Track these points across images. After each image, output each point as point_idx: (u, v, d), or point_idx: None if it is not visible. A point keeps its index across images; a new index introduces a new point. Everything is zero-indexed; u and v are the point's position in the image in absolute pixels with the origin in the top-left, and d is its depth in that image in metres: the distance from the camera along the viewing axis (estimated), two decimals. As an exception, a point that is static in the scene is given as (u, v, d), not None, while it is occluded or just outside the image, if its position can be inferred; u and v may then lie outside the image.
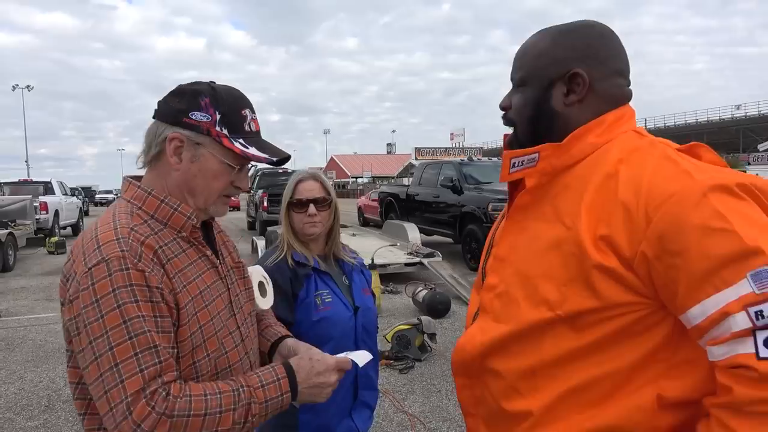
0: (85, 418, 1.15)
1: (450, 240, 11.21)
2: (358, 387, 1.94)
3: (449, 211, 10.86)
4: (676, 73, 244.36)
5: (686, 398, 0.93)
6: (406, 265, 8.61)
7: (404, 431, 3.78)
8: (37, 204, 14.38)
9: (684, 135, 58.44)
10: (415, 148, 49.82)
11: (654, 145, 1.02)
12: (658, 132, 59.09)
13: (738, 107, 55.69)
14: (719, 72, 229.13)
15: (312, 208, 1.95)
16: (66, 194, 18.06)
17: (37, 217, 14.23)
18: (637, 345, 0.96)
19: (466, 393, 1.20)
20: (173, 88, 1.22)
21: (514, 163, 1.11)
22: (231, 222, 23.30)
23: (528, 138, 1.12)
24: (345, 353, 1.36)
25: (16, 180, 17.60)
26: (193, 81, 1.23)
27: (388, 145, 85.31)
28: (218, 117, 1.17)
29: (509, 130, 1.19)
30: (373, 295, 2.20)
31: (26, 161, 52.89)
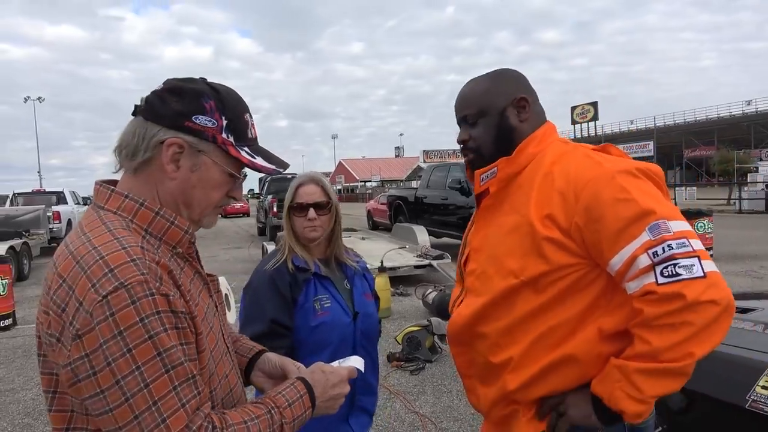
0: None
1: (459, 242, 11.19)
2: (355, 393, 1.89)
3: (458, 213, 10.89)
4: (683, 71, 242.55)
5: (619, 329, 1.26)
6: (416, 267, 8.63)
7: (415, 431, 3.81)
8: (51, 214, 14.59)
9: (694, 132, 57.98)
10: (423, 151, 49.89)
11: (576, 148, 1.40)
12: (666, 129, 58.64)
13: (749, 103, 55.11)
14: (728, 68, 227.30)
15: (312, 213, 1.94)
16: (78, 203, 18.28)
17: (51, 226, 14.43)
18: (582, 297, 1.30)
19: (461, 359, 1.53)
20: (164, 83, 1.08)
21: (483, 178, 1.46)
22: (241, 228, 23.45)
23: (493, 155, 1.44)
24: (337, 362, 1.36)
25: (30, 190, 17.83)
26: (186, 78, 1.09)
27: (396, 148, 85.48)
28: (225, 123, 1.06)
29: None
30: (377, 299, 2.19)
31: (38, 171, 53.49)
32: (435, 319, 5.53)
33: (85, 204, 19.75)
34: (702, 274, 1.13)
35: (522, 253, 1.32)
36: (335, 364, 1.34)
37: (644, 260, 1.16)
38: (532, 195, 1.33)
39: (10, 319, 7.24)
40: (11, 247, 10.46)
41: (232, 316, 1.41)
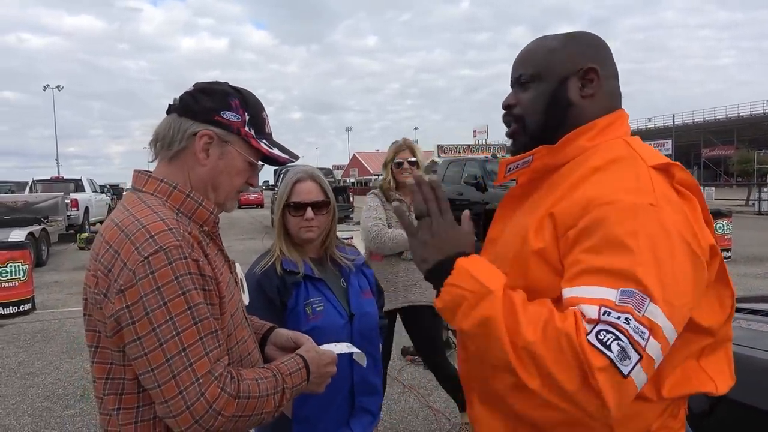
0: (119, 413, 1.12)
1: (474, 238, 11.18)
2: (355, 394, 1.86)
3: (473, 209, 10.77)
4: (701, 68, 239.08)
5: None
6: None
7: (429, 425, 3.82)
8: (69, 201, 14.78)
9: (713, 131, 57.13)
10: (438, 146, 49.63)
11: (635, 159, 1.08)
12: (685, 128, 57.80)
13: (770, 102, 54.17)
14: (747, 66, 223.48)
15: (309, 212, 1.84)
16: (95, 191, 18.50)
17: (69, 213, 14.63)
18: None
19: (463, 366, 1.30)
20: (194, 85, 1.25)
21: (509, 168, 1.23)
22: (255, 218, 23.57)
23: (538, 128, 1.19)
24: (327, 345, 1.43)
25: (49, 178, 18.06)
26: (212, 81, 1.27)
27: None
28: (248, 118, 1.23)
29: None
30: (381, 293, 2.11)
31: (56, 159, 54.19)
32: (449, 315, 5.52)
33: (102, 192, 19.98)
34: (624, 374, 0.87)
35: (511, 260, 1.11)
36: (328, 346, 1.42)
37: (591, 311, 0.91)
38: (552, 196, 1.10)
39: (30, 304, 7.37)
40: (30, 233, 10.63)
41: (247, 298, 1.43)
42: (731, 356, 1.17)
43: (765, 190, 24.81)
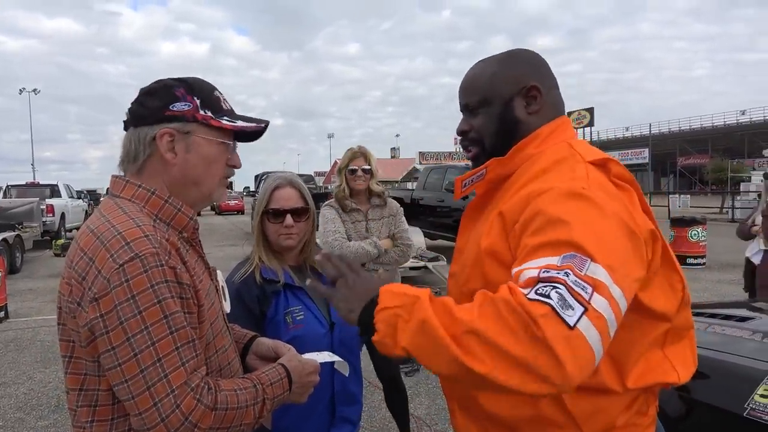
0: (93, 425, 1.09)
1: (454, 244, 11.23)
2: (335, 404, 1.85)
3: (453, 215, 10.89)
4: (677, 80, 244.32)
5: None
6: (411, 269, 8.62)
7: (410, 433, 3.81)
8: (44, 207, 14.50)
9: (688, 140, 58.30)
10: (419, 153, 49.96)
11: (574, 156, 1.15)
12: (661, 137, 58.89)
13: (743, 112, 55.48)
14: (721, 78, 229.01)
15: (289, 219, 1.83)
16: (72, 197, 18.18)
17: (44, 219, 14.34)
18: None
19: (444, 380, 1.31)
20: (138, 92, 1.21)
21: (464, 183, 1.32)
22: (235, 225, 23.38)
23: (496, 149, 1.26)
24: (310, 354, 1.41)
25: (23, 183, 17.71)
26: (154, 81, 1.23)
27: (392, 149, 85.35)
28: (198, 102, 1.19)
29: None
30: None
31: (32, 164, 53.26)
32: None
33: (79, 198, 19.66)
34: (570, 324, 0.84)
35: (471, 263, 1.18)
36: (310, 355, 1.41)
37: (532, 274, 0.92)
38: (504, 200, 1.15)
39: (2, 312, 7.20)
40: (4, 240, 10.40)
41: (228, 306, 1.41)
42: (695, 345, 1.21)
43: (738, 198, 25.35)
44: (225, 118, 1.22)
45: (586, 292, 0.88)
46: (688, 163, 58.20)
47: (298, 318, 1.77)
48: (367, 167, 3.15)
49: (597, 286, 0.89)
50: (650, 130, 58.56)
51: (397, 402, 3.24)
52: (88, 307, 1.03)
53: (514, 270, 0.99)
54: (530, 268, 0.94)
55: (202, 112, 1.19)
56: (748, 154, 52.22)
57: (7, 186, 16.80)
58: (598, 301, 0.88)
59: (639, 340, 1.10)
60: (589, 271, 0.90)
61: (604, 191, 1.05)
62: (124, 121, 1.21)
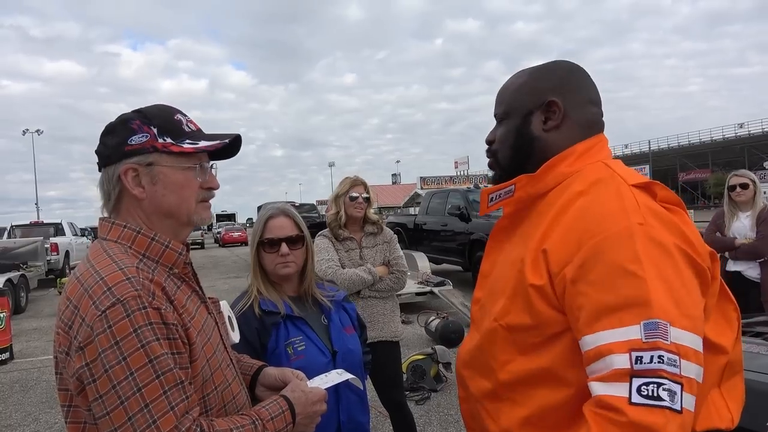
0: None
1: (459, 268, 11.17)
2: None
3: (458, 239, 10.86)
4: (671, 95, 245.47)
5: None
6: (417, 294, 8.58)
7: (423, 463, 3.72)
8: (48, 245, 14.50)
9: (688, 155, 58.45)
10: (420, 178, 50.13)
11: (613, 178, 1.09)
12: (661, 153, 59.07)
13: (741, 125, 55.76)
14: (714, 92, 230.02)
15: (284, 248, 1.84)
16: (76, 234, 18.21)
17: (49, 258, 14.33)
18: (555, 349, 1.04)
19: (463, 406, 1.30)
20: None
21: (492, 197, 1.24)
22: (239, 257, 23.34)
23: (508, 162, 1.24)
24: (319, 378, 1.40)
25: (28, 222, 17.77)
26: (115, 118, 1.21)
27: (393, 175, 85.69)
28: (155, 131, 1.16)
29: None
30: (363, 328, 2.07)
31: (36, 203, 53.43)
32: (440, 347, 5.47)
33: (83, 235, 19.70)
34: (679, 409, 0.87)
35: (510, 294, 1.10)
36: (317, 380, 1.38)
37: (622, 362, 0.89)
38: (542, 225, 1.09)
39: (8, 353, 7.13)
40: (8, 280, 10.36)
41: (237, 336, 1.40)
42: (743, 381, 1.15)
43: (742, 211, 25.24)
44: (187, 141, 1.19)
45: (677, 367, 0.89)
46: (690, 178, 58.26)
47: (299, 348, 1.76)
48: (367, 195, 3.19)
49: (683, 353, 0.90)
50: (650, 147, 58.81)
51: (403, 429, 3.18)
52: (75, 356, 1.02)
53: (589, 339, 0.95)
54: (615, 350, 0.91)
55: (161, 140, 1.16)
56: (749, 166, 52.08)
57: (12, 226, 16.86)
58: (687, 367, 0.90)
59: (705, 378, 1.02)
60: (674, 338, 0.90)
61: (659, 220, 1.01)
62: (97, 164, 1.20)
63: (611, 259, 0.95)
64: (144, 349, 1.00)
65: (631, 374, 0.88)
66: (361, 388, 1.54)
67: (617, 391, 0.88)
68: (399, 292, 3.34)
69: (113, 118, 1.21)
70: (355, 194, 3.14)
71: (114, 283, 1.03)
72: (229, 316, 1.51)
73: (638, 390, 0.87)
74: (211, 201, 1.27)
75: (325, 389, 1.35)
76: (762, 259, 4.19)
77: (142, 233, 1.15)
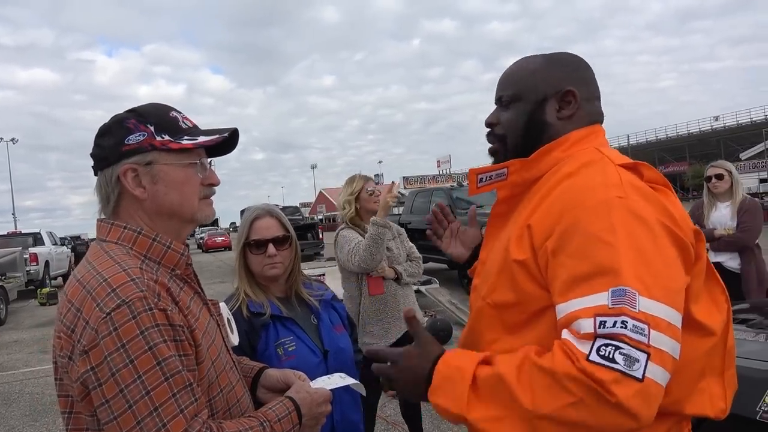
0: None
1: (445, 266, 11.20)
2: None
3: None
4: (645, 91, 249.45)
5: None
6: (404, 293, 8.57)
7: (416, 462, 3.71)
8: (27, 256, 14.24)
9: (666, 148, 59.36)
10: (404, 177, 50.15)
11: (603, 160, 1.10)
12: (639, 147, 59.92)
13: (716, 119, 56.73)
14: (687, 88, 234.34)
15: (271, 249, 1.82)
16: (56, 244, 17.91)
17: (28, 268, 14.07)
18: (539, 326, 1.05)
19: None
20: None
21: (481, 178, 1.24)
22: (223, 261, 23.15)
23: (517, 147, 1.21)
24: (321, 380, 1.40)
25: (5, 233, 17.42)
26: (109, 119, 1.19)
27: (376, 176, 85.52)
28: (152, 128, 1.14)
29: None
30: (353, 326, 2.06)
31: (13, 213, 52.38)
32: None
33: (62, 245, 19.38)
34: (640, 377, 0.86)
35: (497, 271, 1.11)
36: (320, 381, 1.38)
37: (588, 326, 0.91)
38: (531, 205, 1.11)
39: (-12, 367, 6.99)
40: (-13, 292, 10.16)
41: (236, 339, 1.39)
42: (735, 376, 1.14)
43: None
44: (185, 137, 1.16)
45: (644, 335, 0.88)
46: (668, 171, 59.01)
47: (289, 349, 1.75)
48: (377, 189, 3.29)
49: (652, 323, 0.89)
50: (628, 141, 59.61)
51: (409, 407, 3.30)
52: (79, 360, 0.98)
53: (561, 306, 0.96)
54: (582, 315, 0.92)
55: (158, 138, 1.13)
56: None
57: (-12, 237, 16.52)
58: (658, 338, 0.89)
59: (692, 365, 1.03)
60: (643, 307, 0.89)
61: (641, 195, 1.01)
62: (92, 167, 1.17)
63: (587, 229, 0.96)
64: (152, 351, 0.97)
65: (595, 336, 0.89)
66: (364, 394, 1.52)
67: (581, 346, 0.90)
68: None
69: (90, 126, 1.20)
70: (370, 189, 3.21)
71: (118, 285, 1.00)
72: (228, 318, 1.49)
73: (597, 350, 0.88)
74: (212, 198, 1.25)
75: (330, 390, 1.34)
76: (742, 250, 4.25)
77: (143, 234, 1.12)
